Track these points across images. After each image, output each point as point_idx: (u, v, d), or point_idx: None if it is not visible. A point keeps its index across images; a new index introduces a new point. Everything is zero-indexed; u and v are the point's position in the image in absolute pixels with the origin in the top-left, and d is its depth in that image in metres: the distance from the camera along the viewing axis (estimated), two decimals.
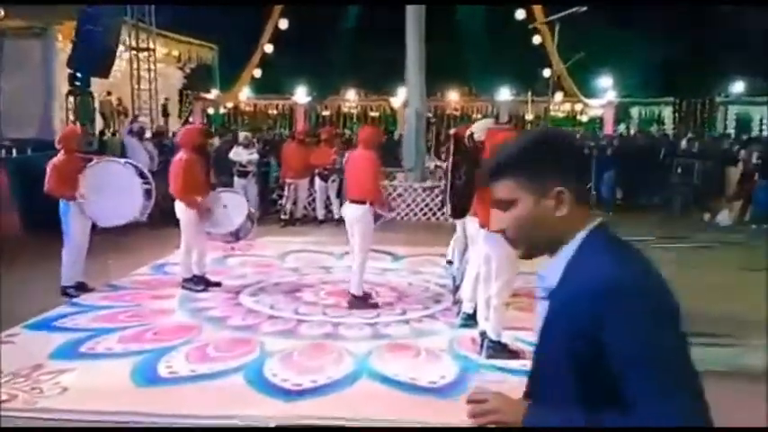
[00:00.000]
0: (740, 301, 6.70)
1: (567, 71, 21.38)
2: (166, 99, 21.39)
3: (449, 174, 5.02)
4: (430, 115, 27.68)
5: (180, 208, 6.55)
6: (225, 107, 26.82)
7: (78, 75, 11.14)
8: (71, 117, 13.18)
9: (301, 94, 27.07)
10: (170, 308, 6.32)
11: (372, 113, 28.41)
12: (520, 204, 1.49)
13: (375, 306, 6.40)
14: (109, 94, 17.72)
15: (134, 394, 4.38)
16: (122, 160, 7.08)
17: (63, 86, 12.28)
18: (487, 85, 25.97)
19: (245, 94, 26.82)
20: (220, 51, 22.97)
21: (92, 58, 10.73)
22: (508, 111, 25.82)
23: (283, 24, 22.16)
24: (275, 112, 28.81)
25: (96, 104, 15.91)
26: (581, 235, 1.50)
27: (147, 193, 6.82)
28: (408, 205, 12.09)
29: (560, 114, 27.55)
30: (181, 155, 6.61)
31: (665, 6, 21.57)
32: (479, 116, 27.63)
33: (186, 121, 21.88)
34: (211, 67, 23.73)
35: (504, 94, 25.98)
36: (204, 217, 6.59)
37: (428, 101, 27.59)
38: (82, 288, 6.87)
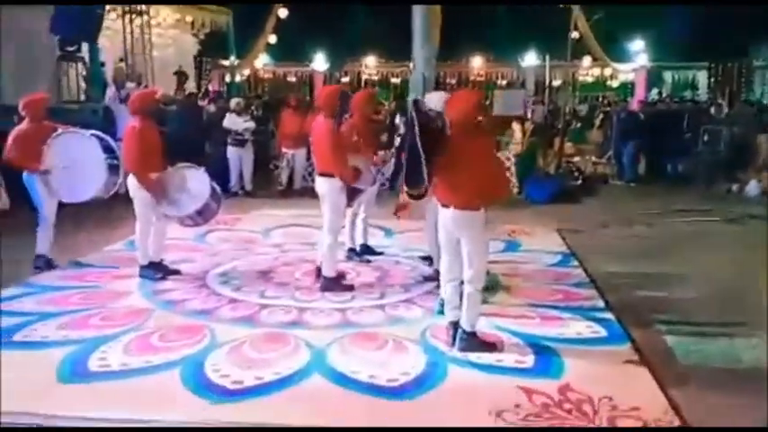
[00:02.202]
0: None
1: (593, 34, 20.35)
2: (180, 67, 20.93)
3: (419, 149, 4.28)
4: (453, 82, 26.92)
5: (133, 185, 5.95)
6: (242, 75, 26.22)
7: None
8: (82, 84, 12.73)
9: (320, 61, 26.43)
10: (129, 289, 5.84)
11: (394, 80, 27.64)
12: None
13: (350, 288, 5.88)
14: (121, 60, 17.27)
15: (54, 391, 3.91)
16: (87, 132, 6.48)
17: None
18: (511, 49, 24.97)
19: (261, 60, 26.24)
20: (235, 17, 22.36)
21: (75, 22, 10.18)
22: (534, 76, 24.88)
23: None
24: (294, 79, 28.25)
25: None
26: None
27: (113, 168, 6.28)
28: None
29: (589, 79, 26.49)
30: (133, 123, 5.98)
31: None
32: (504, 82, 26.83)
33: (205, 91, 21.40)
34: (226, 33, 23.15)
35: (530, 59, 24.98)
36: (159, 196, 5.99)
37: (450, 67, 26.86)
38: (48, 265, 6.46)
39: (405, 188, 4.34)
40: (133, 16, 13.06)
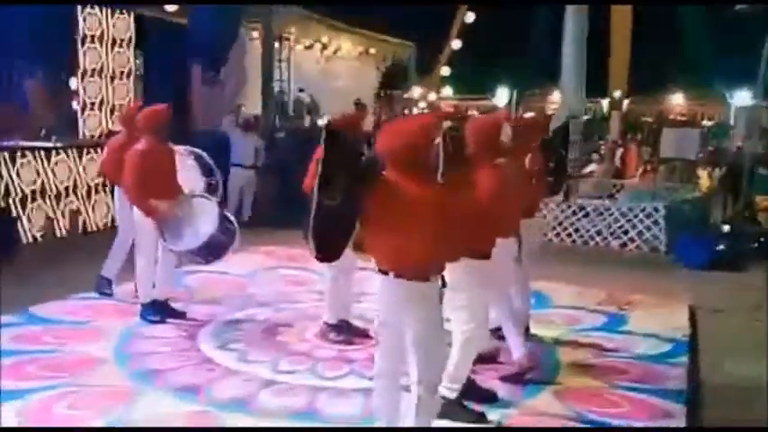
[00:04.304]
0: None
1: None
2: (359, 99, 20.97)
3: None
4: (651, 119, 24.16)
5: (137, 213, 5.24)
6: (419, 107, 25.93)
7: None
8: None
9: (501, 95, 25.33)
10: (112, 331, 5.09)
11: (583, 116, 25.64)
12: None
13: (360, 334, 5.06)
14: (301, 90, 17.51)
15: None
16: (186, 150, 5.83)
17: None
18: (718, 85, 21.90)
19: (439, 93, 25.81)
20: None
21: (206, 45, 10.05)
22: (746, 117, 21.55)
23: (469, 18, 20.51)
24: (475, 113, 27.32)
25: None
26: None
27: (210, 187, 5.69)
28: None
29: None
30: (140, 144, 5.25)
31: None
32: (711, 122, 23.61)
33: (378, 121, 21.28)
34: (407, 66, 22.96)
35: (742, 97, 21.75)
36: (162, 227, 5.17)
37: (646, 103, 24.35)
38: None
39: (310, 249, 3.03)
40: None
